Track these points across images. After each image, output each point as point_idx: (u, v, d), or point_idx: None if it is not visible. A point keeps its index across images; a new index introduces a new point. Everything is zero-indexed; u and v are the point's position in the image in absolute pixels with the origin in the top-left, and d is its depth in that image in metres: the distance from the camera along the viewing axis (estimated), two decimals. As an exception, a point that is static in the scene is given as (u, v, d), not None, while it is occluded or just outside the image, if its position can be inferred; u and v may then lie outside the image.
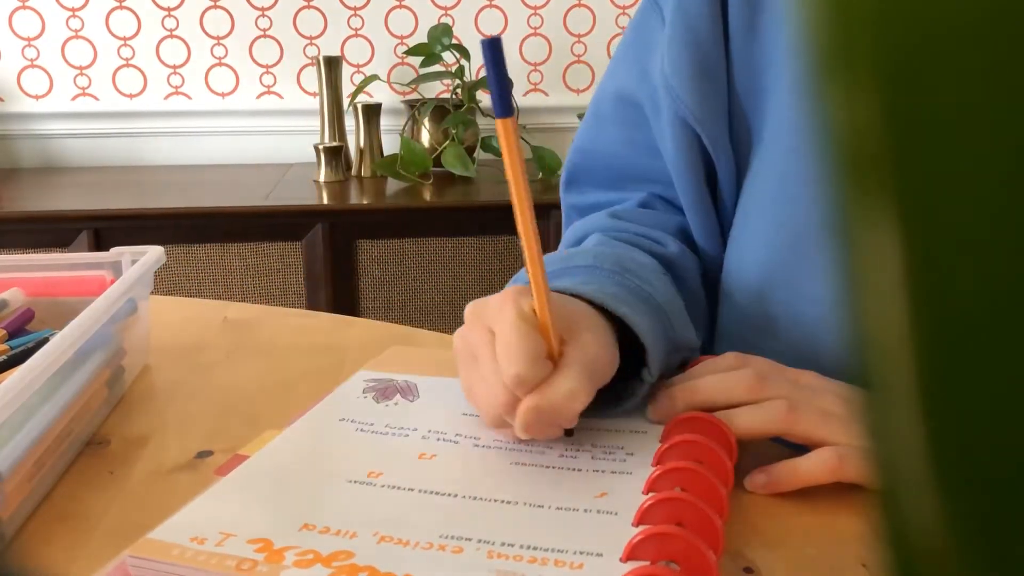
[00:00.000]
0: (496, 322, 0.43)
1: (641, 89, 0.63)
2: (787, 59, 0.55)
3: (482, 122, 1.85)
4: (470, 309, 0.46)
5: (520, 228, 0.42)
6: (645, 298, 0.50)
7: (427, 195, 1.67)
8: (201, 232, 1.54)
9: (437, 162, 1.77)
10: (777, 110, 0.56)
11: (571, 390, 0.41)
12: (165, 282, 1.54)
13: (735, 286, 0.60)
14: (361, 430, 0.47)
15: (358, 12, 1.93)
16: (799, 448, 0.48)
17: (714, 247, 0.64)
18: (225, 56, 1.93)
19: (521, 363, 0.41)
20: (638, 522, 0.37)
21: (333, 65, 1.78)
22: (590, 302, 0.48)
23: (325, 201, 1.61)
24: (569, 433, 0.46)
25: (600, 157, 0.69)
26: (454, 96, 1.85)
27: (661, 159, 0.64)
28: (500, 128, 0.40)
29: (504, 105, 0.39)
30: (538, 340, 0.42)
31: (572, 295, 0.48)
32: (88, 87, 1.92)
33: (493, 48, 0.38)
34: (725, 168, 0.60)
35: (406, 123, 1.85)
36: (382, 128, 1.84)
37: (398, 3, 1.93)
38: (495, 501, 0.40)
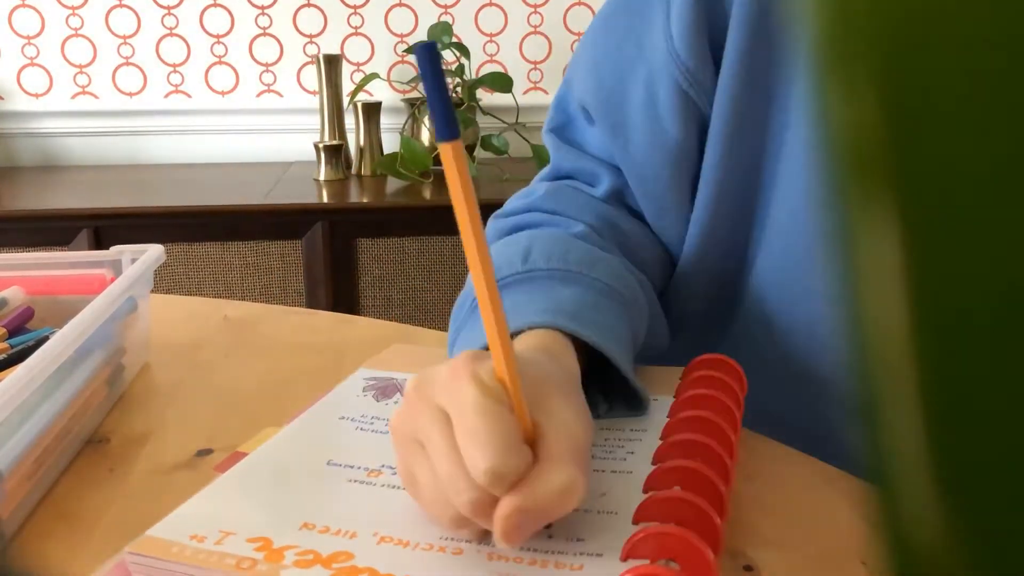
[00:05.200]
0: (452, 402, 0.35)
1: (631, 77, 0.61)
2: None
3: (482, 121, 1.85)
4: (412, 385, 0.38)
5: (475, 280, 0.34)
6: (616, 298, 0.50)
7: (427, 194, 1.67)
8: (201, 230, 1.54)
9: (437, 161, 1.77)
10: (799, 123, 0.55)
11: (565, 485, 0.34)
12: (165, 280, 1.54)
13: (759, 286, 0.59)
14: (361, 428, 0.47)
15: (358, 10, 1.93)
16: (799, 449, 0.48)
17: (677, 237, 0.62)
18: (225, 54, 1.93)
19: (496, 455, 0.33)
20: (638, 521, 0.37)
21: (333, 63, 1.78)
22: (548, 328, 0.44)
23: (325, 200, 1.61)
24: (547, 525, 0.37)
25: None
26: (454, 94, 1.84)
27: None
28: (445, 153, 0.32)
29: (449, 125, 0.31)
30: (511, 422, 0.34)
31: (528, 327, 0.44)
32: (88, 85, 1.92)
33: (429, 55, 0.30)
34: (715, 141, 0.58)
35: (406, 121, 1.85)
36: (382, 126, 1.84)
37: (398, 1, 1.93)
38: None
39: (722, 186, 0.58)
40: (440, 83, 0.31)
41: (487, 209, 1.43)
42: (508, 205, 0.66)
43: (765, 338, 0.55)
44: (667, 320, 0.64)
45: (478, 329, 0.47)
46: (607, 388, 0.49)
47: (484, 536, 0.37)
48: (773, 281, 0.58)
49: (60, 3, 1.87)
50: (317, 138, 1.82)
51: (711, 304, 0.63)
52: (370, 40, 1.95)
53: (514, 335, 0.44)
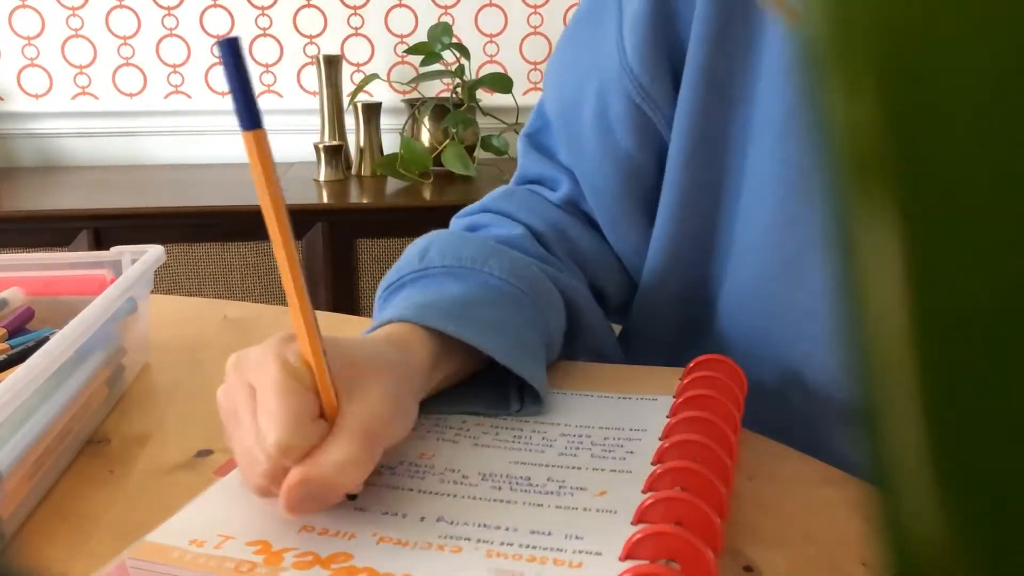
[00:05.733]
0: (256, 379, 0.37)
1: (586, 86, 0.61)
2: (774, 66, 0.54)
3: (482, 121, 1.85)
4: (231, 362, 0.40)
5: (279, 262, 0.36)
6: (509, 291, 0.51)
7: (427, 194, 1.67)
8: (201, 231, 1.54)
9: (437, 161, 1.77)
10: (765, 124, 0.54)
11: (341, 461, 0.36)
12: (165, 281, 1.54)
13: (732, 303, 0.59)
14: (361, 429, 0.47)
15: (358, 11, 1.93)
16: (799, 449, 0.48)
17: (632, 251, 0.63)
18: (225, 55, 1.93)
19: (282, 428, 0.35)
20: (638, 521, 0.37)
21: (333, 64, 1.78)
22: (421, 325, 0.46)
23: (325, 200, 1.61)
24: (352, 496, 0.39)
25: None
26: (454, 95, 1.85)
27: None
28: (248, 142, 0.33)
29: (251, 114, 0.33)
30: (305, 399, 0.36)
31: (398, 320, 0.46)
32: (88, 86, 1.92)
33: (231, 49, 0.32)
34: (676, 157, 0.57)
35: (406, 122, 1.85)
36: (382, 127, 1.84)
37: (398, 2, 1.93)
38: (494, 500, 0.40)
39: (684, 202, 0.58)
40: (242, 75, 0.32)
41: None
42: (470, 205, 0.67)
43: (741, 357, 0.55)
44: (639, 336, 0.64)
45: (382, 315, 0.50)
46: (523, 386, 0.50)
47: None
48: (747, 299, 0.58)
49: (60, 4, 1.87)
50: (317, 139, 1.82)
51: (680, 322, 0.62)
52: (370, 41, 1.95)
53: (380, 327, 0.47)
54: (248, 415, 0.37)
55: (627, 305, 0.67)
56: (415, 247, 0.55)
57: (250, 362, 0.39)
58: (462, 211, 0.67)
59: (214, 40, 1.92)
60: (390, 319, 0.47)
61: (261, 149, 0.34)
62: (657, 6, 0.56)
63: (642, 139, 0.59)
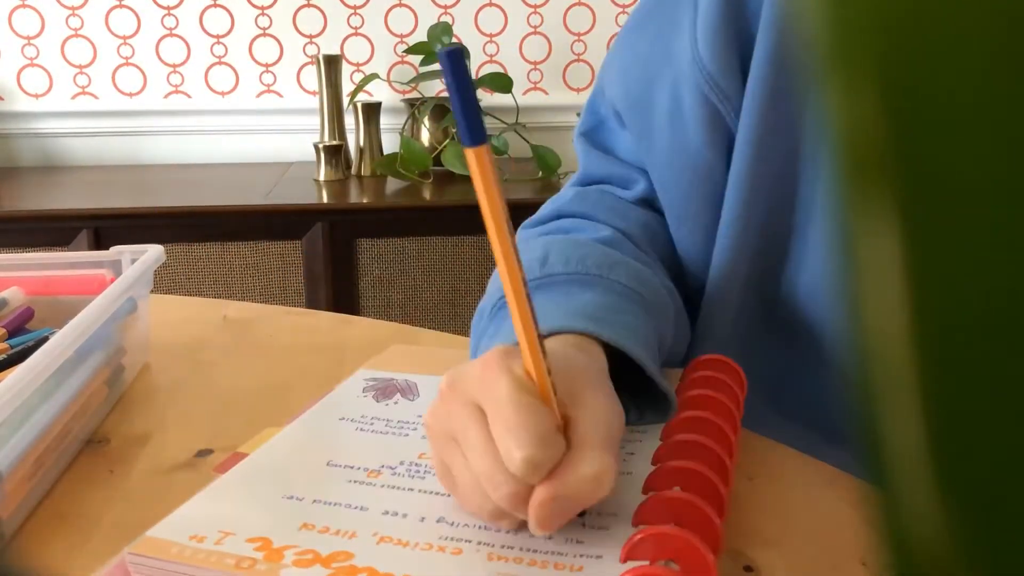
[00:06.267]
0: (486, 398, 0.36)
1: (659, 79, 0.60)
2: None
3: (482, 121, 1.84)
4: (446, 382, 0.38)
5: (502, 277, 0.35)
6: (636, 300, 0.50)
7: (427, 194, 1.67)
8: (201, 231, 1.54)
9: (437, 161, 1.77)
10: None
11: (596, 474, 0.35)
12: (165, 281, 1.54)
13: (806, 294, 0.57)
14: (361, 429, 0.47)
15: (358, 11, 1.93)
16: (802, 447, 0.48)
17: (692, 249, 0.61)
18: (225, 55, 1.93)
19: (531, 445, 0.34)
20: (637, 522, 0.37)
21: (333, 64, 1.78)
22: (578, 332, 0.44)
23: (325, 200, 1.61)
24: (581, 513, 0.38)
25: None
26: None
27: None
28: (472, 159, 0.32)
29: (476, 130, 0.32)
30: (545, 414, 0.35)
31: (558, 331, 0.44)
32: (88, 86, 1.92)
33: (455, 61, 0.30)
34: (743, 147, 0.56)
35: (406, 122, 1.85)
36: (382, 127, 1.84)
37: (398, 2, 1.93)
38: (495, 500, 0.40)
39: (752, 196, 0.57)
40: (465, 88, 0.31)
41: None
42: (537, 214, 0.65)
43: (814, 351, 0.54)
44: (707, 333, 0.62)
45: (502, 332, 0.48)
46: (635, 393, 0.48)
47: (522, 526, 0.37)
48: (813, 299, 0.57)
49: (60, 3, 1.87)
50: (317, 138, 1.82)
51: (751, 314, 0.61)
52: (370, 40, 1.95)
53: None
54: (479, 436, 0.36)
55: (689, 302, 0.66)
56: (531, 254, 0.53)
57: (471, 379, 0.37)
58: (529, 221, 0.65)
59: (214, 40, 1.92)
60: (545, 331, 0.44)
61: (483, 164, 0.32)
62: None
63: (712, 134, 0.58)
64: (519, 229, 0.65)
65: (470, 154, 0.32)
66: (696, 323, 0.62)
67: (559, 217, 0.63)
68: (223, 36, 1.92)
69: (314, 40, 1.94)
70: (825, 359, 0.55)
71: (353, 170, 1.84)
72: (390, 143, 1.86)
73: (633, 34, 0.63)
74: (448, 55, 0.30)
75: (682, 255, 0.63)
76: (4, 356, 0.52)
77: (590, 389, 0.38)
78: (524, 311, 0.35)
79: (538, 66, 1.99)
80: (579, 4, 1.96)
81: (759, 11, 0.54)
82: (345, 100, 1.81)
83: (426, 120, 1.82)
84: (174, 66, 1.93)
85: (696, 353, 0.63)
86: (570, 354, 0.41)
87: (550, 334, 0.44)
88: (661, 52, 0.59)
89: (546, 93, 2.00)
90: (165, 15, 1.90)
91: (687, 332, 0.61)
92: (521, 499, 0.35)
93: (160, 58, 1.92)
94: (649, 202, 0.64)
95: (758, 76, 0.55)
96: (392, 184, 1.75)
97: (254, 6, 1.91)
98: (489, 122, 1.85)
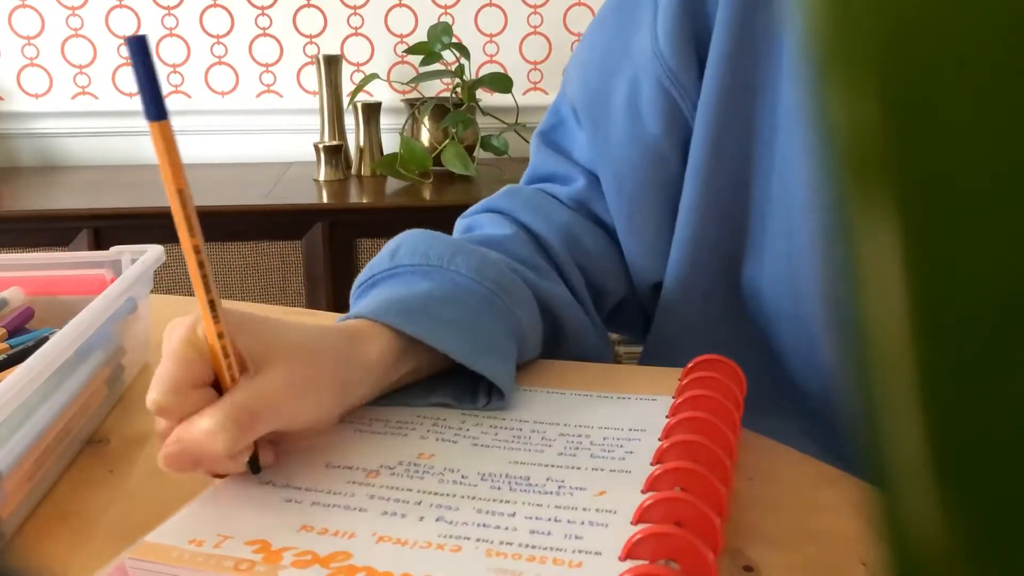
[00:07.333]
0: (164, 347, 0.41)
1: (618, 72, 0.61)
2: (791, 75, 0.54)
3: (482, 121, 1.85)
4: (166, 328, 0.43)
5: (183, 247, 0.39)
6: (473, 290, 0.52)
7: (427, 194, 1.67)
8: (201, 231, 1.54)
9: (437, 161, 1.77)
10: (793, 110, 0.55)
11: (208, 428, 0.38)
12: (165, 281, 1.54)
13: (765, 288, 0.59)
14: (359, 430, 0.47)
15: (358, 11, 1.93)
16: (801, 449, 0.48)
17: (646, 245, 0.63)
18: (225, 55, 1.93)
19: (159, 391, 0.38)
20: (637, 521, 0.37)
21: (333, 64, 1.78)
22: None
23: (325, 200, 1.61)
24: (255, 470, 0.42)
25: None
26: (454, 95, 1.84)
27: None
28: (155, 132, 0.36)
29: (158, 107, 0.35)
30: (194, 367, 0.39)
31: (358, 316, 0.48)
32: (88, 86, 1.92)
33: (139, 46, 0.34)
34: (700, 144, 0.58)
35: (406, 122, 1.85)
36: (382, 127, 1.84)
37: (398, 2, 1.93)
38: (494, 500, 0.40)
39: (708, 190, 0.58)
40: (151, 69, 0.34)
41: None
42: (470, 208, 0.68)
43: (775, 343, 0.55)
44: (666, 330, 0.63)
45: (357, 306, 0.52)
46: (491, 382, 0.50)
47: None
48: (776, 288, 0.58)
49: (60, 3, 1.87)
50: (317, 138, 1.82)
51: (712, 311, 0.62)
52: (370, 40, 1.95)
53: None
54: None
55: (619, 310, 0.67)
56: (388, 246, 0.57)
57: (170, 329, 0.42)
58: (467, 211, 0.68)
59: (214, 40, 1.92)
60: (356, 315, 0.49)
61: (167, 138, 0.36)
62: None
63: (670, 125, 0.59)
64: (459, 218, 0.68)
65: (154, 128, 0.36)
66: (654, 317, 0.64)
67: (484, 211, 0.65)
68: (223, 36, 1.92)
69: (314, 40, 1.94)
70: (791, 350, 0.56)
71: (353, 170, 1.84)
72: (390, 143, 1.86)
73: (594, 33, 0.65)
74: (135, 42, 0.34)
75: (630, 252, 0.64)
76: (4, 356, 0.52)
77: (279, 363, 0.41)
78: (195, 276, 0.39)
79: (538, 66, 1.99)
80: (579, 4, 1.96)
81: (715, 8, 0.56)
82: (345, 100, 1.81)
83: (426, 120, 1.82)
84: (174, 66, 1.93)
85: (661, 345, 0.64)
86: (300, 330, 0.44)
87: (357, 319, 0.48)
88: (620, 47, 0.61)
89: (546, 93, 2.00)
90: (165, 15, 1.90)
91: (594, 335, 0.62)
92: (164, 437, 0.39)
93: (160, 58, 1.92)
94: (583, 204, 0.65)
95: (714, 72, 0.56)
96: (392, 184, 1.75)
97: (254, 6, 1.91)
98: (489, 122, 1.85)
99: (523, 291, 0.55)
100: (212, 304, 0.39)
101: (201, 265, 0.39)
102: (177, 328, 0.41)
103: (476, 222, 0.64)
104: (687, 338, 0.64)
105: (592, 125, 0.63)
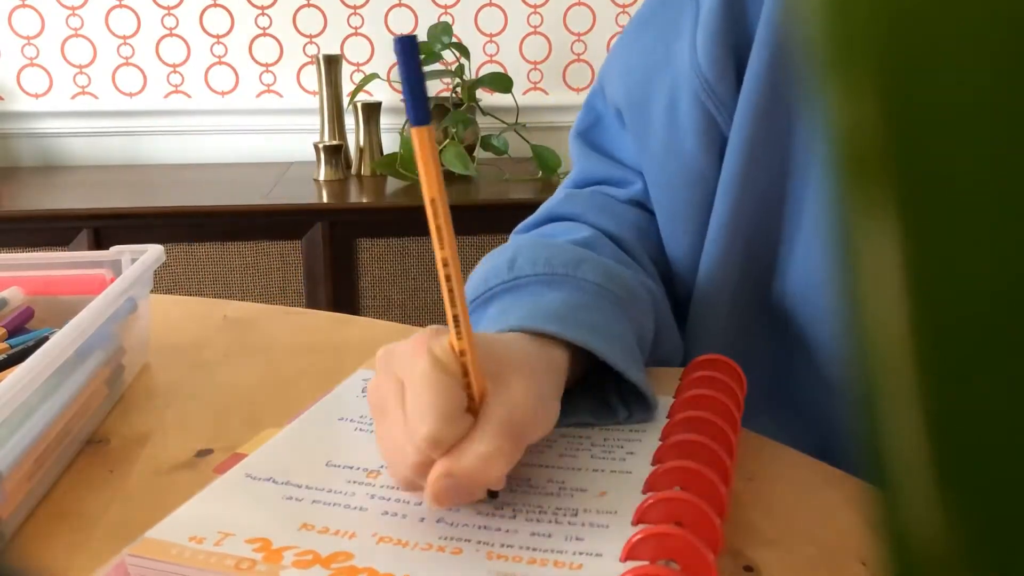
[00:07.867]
0: (406, 373, 0.38)
1: (658, 79, 0.60)
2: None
3: (482, 121, 1.85)
4: (379, 356, 0.41)
5: (438, 255, 0.37)
6: (606, 296, 0.50)
7: (427, 194, 1.67)
8: (201, 231, 1.54)
9: (437, 161, 1.77)
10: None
11: (486, 453, 0.36)
12: (165, 281, 1.54)
13: (797, 295, 0.58)
14: (360, 429, 0.47)
15: (358, 10, 1.93)
16: (799, 448, 0.48)
17: (680, 252, 0.62)
18: (225, 55, 1.93)
19: (432, 421, 0.36)
20: (637, 521, 0.37)
21: (333, 63, 1.78)
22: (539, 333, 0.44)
23: (325, 200, 1.61)
24: (493, 495, 0.40)
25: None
26: (454, 95, 1.85)
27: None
28: (416, 137, 0.34)
29: (424, 111, 0.34)
30: (455, 393, 0.37)
31: (517, 330, 0.44)
32: (88, 86, 1.92)
33: (407, 46, 0.33)
34: (735, 154, 0.57)
35: (406, 122, 1.85)
36: (382, 127, 1.84)
37: (398, 2, 1.93)
38: (494, 502, 0.40)
39: (741, 202, 0.57)
40: (418, 72, 0.33)
41: (491, 209, 1.43)
42: (530, 217, 0.65)
43: (804, 351, 0.54)
44: (697, 334, 0.62)
45: (480, 324, 0.49)
46: (622, 392, 0.48)
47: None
48: (803, 300, 0.57)
49: (60, 3, 1.87)
50: (317, 138, 1.82)
51: (742, 316, 0.61)
52: (370, 40, 1.95)
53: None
54: (396, 410, 0.38)
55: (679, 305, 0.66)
56: (499, 257, 0.54)
57: (398, 356, 0.39)
58: (523, 224, 0.65)
59: (214, 40, 1.92)
60: (517, 327, 0.45)
61: (426, 144, 0.34)
62: (729, 1, 0.55)
63: (706, 139, 0.58)
64: (512, 234, 0.65)
65: (417, 133, 0.34)
66: (686, 326, 0.63)
67: (551, 220, 0.63)
68: (223, 36, 1.92)
69: (314, 40, 1.94)
70: (818, 360, 0.55)
71: (353, 170, 1.84)
72: (390, 143, 1.86)
73: (636, 34, 0.64)
74: (404, 41, 0.33)
75: (671, 255, 0.63)
76: (4, 356, 0.52)
77: (516, 375, 0.39)
78: (459, 288, 0.37)
79: (538, 66, 1.99)
80: (579, 4, 1.96)
81: (756, 23, 0.55)
82: (345, 100, 1.81)
83: (426, 120, 1.82)
84: (174, 66, 1.93)
85: (688, 355, 0.63)
86: (516, 342, 0.42)
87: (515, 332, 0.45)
88: (662, 54, 0.60)
89: (546, 93, 2.00)
90: (165, 15, 1.90)
91: (674, 337, 0.61)
92: (425, 471, 0.37)
93: (160, 58, 1.92)
94: (643, 204, 0.64)
95: (752, 86, 0.55)
96: (392, 184, 1.75)
97: (254, 6, 1.91)
98: (489, 122, 1.85)
99: (644, 296, 0.54)
100: (456, 320, 0.37)
101: (448, 279, 0.37)
102: (415, 353, 0.38)
103: (548, 232, 0.62)
104: (711, 350, 0.63)
105: (634, 133, 0.62)
